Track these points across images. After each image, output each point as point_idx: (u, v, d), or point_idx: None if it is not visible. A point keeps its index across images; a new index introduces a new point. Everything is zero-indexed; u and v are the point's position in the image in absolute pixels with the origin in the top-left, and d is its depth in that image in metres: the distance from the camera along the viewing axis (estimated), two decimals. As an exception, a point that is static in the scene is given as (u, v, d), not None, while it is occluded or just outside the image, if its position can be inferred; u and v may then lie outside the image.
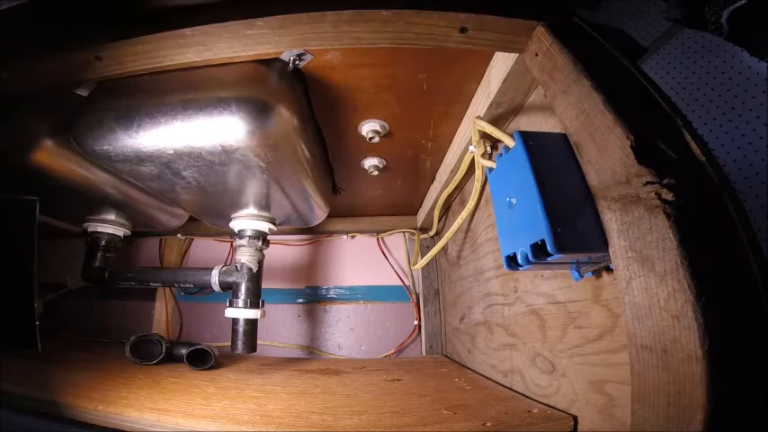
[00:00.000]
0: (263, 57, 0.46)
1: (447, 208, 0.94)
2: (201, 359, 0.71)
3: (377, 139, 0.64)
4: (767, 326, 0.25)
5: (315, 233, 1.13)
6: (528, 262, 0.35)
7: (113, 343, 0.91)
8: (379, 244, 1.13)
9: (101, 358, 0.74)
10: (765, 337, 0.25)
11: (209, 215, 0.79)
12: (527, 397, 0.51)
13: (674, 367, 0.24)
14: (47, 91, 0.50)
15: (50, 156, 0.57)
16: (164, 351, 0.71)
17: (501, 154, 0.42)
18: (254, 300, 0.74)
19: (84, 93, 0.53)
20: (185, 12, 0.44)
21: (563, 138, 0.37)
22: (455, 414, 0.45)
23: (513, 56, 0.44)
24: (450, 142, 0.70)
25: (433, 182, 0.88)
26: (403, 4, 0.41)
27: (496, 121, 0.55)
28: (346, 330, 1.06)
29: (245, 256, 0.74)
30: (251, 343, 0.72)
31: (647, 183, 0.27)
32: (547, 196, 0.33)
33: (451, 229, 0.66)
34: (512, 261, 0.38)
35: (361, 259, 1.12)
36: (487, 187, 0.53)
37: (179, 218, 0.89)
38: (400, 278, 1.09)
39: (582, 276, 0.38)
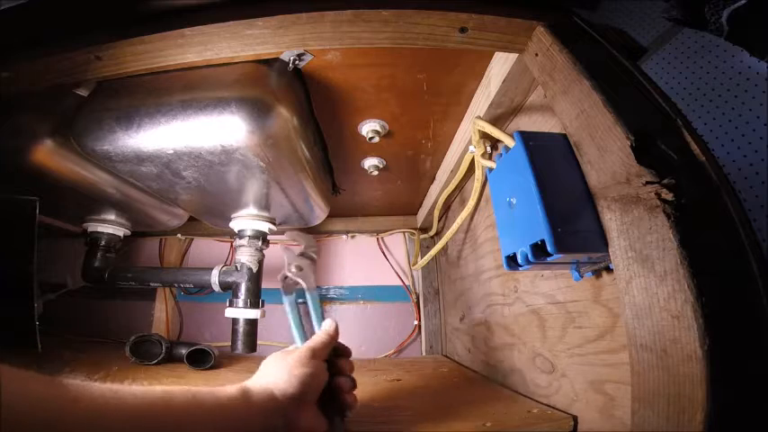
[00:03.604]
0: (263, 57, 0.46)
1: (447, 208, 0.94)
2: (201, 359, 0.71)
3: (377, 139, 0.64)
4: (767, 325, 0.25)
5: (315, 233, 1.13)
6: (528, 262, 0.35)
7: (113, 343, 0.91)
8: (378, 244, 1.13)
9: (101, 358, 0.74)
10: (765, 337, 0.25)
11: (210, 215, 0.79)
12: (527, 397, 0.51)
13: (673, 367, 0.24)
14: (47, 91, 0.50)
15: (50, 156, 0.57)
16: (164, 351, 0.71)
17: (501, 154, 0.42)
18: (255, 300, 0.74)
19: (84, 93, 0.53)
20: (185, 12, 0.44)
21: (563, 138, 0.37)
22: (455, 414, 0.45)
23: (513, 56, 0.45)
24: (450, 142, 0.70)
25: (432, 182, 0.88)
26: (403, 4, 0.41)
27: (496, 121, 0.55)
28: (346, 330, 1.06)
29: (245, 256, 0.74)
30: (251, 343, 0.72)
31: (647, 183, 0.27)
32: (547, 196, 0.33)
33: (451, 229, 0.66)
34: (512, 261, 0.38)
35: (361, 259, 1.12)
36: (487, 187, 0.53)
37: (179, 218, 0.89)
38: (400, 278, 1.09)
39: (582, 276, 0.38)
